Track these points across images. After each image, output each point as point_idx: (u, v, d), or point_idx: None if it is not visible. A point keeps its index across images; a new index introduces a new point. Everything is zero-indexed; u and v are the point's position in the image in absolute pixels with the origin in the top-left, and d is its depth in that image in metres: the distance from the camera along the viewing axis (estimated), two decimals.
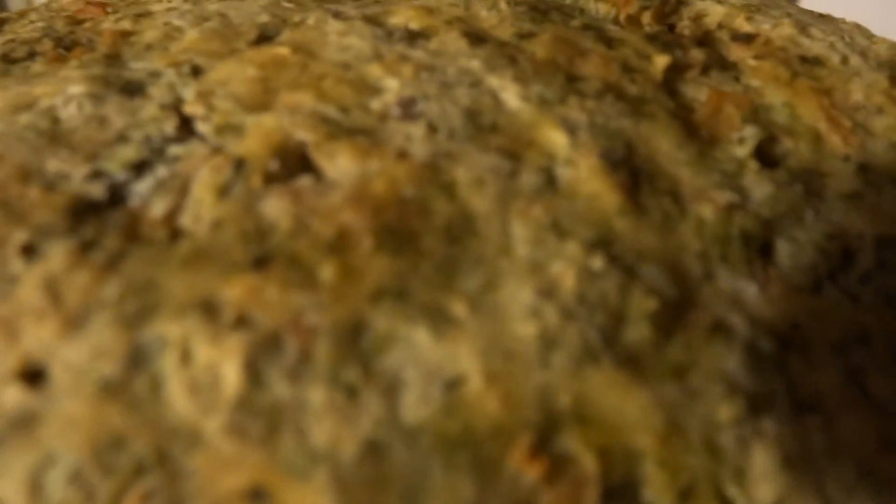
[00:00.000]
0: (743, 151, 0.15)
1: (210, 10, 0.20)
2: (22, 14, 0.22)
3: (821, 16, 0.21)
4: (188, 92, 0.15)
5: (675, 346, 0.12)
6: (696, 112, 0.16)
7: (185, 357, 0.10)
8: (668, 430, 0.12)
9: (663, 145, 0.15)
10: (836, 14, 0.22)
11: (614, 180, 0.13)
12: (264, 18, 0.18)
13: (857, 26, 0.20)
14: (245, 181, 0.12)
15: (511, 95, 0.14)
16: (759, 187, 0.15)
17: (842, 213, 0.15)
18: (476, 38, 0.16)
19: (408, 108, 0.14)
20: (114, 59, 0.17)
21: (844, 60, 0.18)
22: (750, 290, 0.13)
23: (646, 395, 0.12)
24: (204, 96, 0.15)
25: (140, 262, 0.11)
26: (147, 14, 0.21)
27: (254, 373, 0.10)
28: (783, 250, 0.14)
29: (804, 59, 0.18)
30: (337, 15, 0.17)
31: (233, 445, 0.10)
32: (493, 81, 0.15)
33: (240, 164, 0.13)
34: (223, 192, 0.12)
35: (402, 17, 0.18)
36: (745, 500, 0.12)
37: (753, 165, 0.15)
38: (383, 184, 0.12)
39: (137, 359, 0.10)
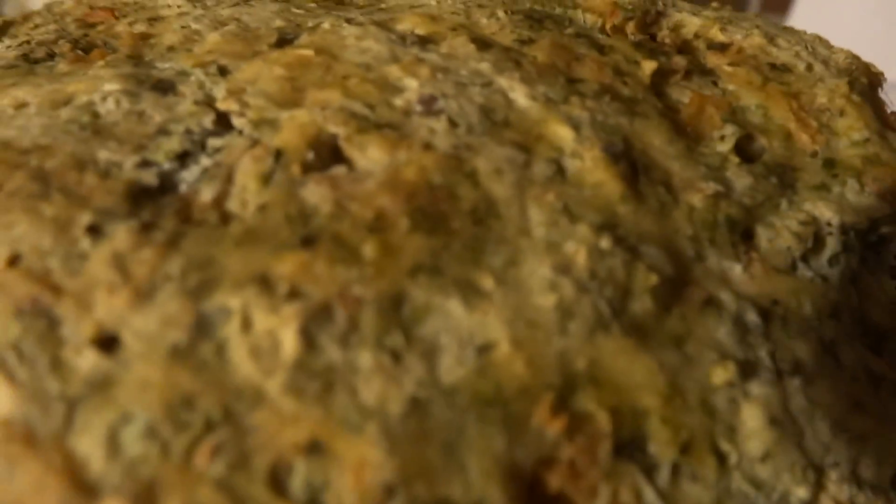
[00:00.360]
0: (724, 147, 0.17)
1: (224, 14, 0.21)
2: (26, 17, 0.23)
3: (785, 27, 0.23)
4: (218, 90, 0.16)
5: (674, 317, 0.14)
6: (682, 112, 0.18)
7: (246, 325, 0.11)
8: (669, 391, 0.13)
9: (655, 141, 0.16)
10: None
11: (616, 171, 0.15)
12: (280, 23, 0.19)
13: (818, 37, 0.22)
14: (285, 170, 0.14)
15: (519, 95, 0.16)
16: (740, 179, 0.16)
17: (812, 203, 0.17)
18: (482, 43, 0.18)
19: (429, 105, 0.15)
20: (138, 59, 0.18)
21: (809, 68, 0.20)
22: (735, 270, 0.15)
23: (650, 361, 0.13)
24: (235, 94, 0.16)
25: (197, 241, 0.12)
26: (160, 18, 0.22)
27: (308, 338, 0.11)
28: (762, 235, 0.16)
29: (773, 66, 0.20)
30: (350, 20, 0.19)
31: (292, 403, 0.11)
32: (503, 82, 0.16)
33: (279, 155, 0.14)
34: (266, 179, 0.13)
35: (408, 24, 0.20)
36: (736, 454, 0.13)
37: (734, 160, 0.17)
38: (413, 172, 0.13)
39: (202, 327, 0.11)
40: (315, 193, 0.13)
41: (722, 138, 0.17)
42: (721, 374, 0.14)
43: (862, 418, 0.15)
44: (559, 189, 0.14)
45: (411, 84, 0.16)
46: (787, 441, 0.14)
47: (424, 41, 0.18)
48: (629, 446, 0.13)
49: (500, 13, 0.20)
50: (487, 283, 0.13)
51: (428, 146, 0.14)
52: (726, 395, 0.13)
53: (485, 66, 0.16)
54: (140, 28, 0.20)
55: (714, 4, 0.26)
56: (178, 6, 0.23)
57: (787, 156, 0.17)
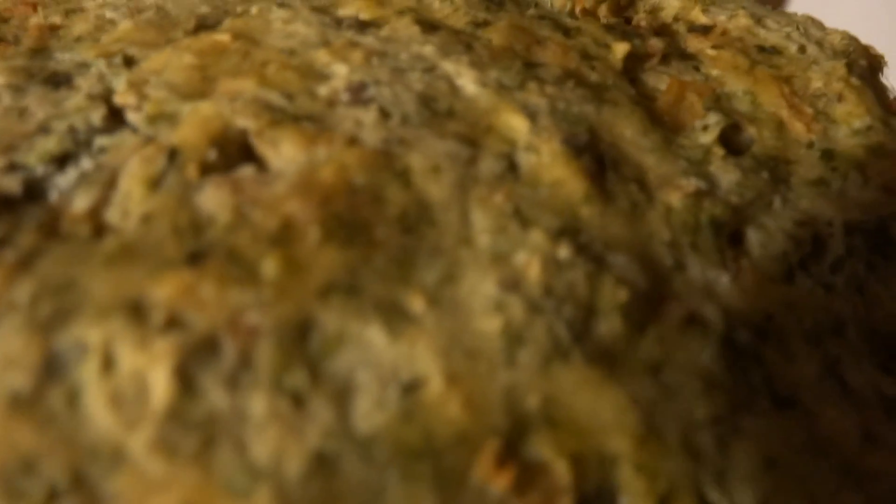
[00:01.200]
0: (708, 138, 0.15)
1: (146, 2, 0.18)
2: None
3: (774, 9, 0.21)
4: (119, 82, 0.14)
5: (649, 340, 0.11)
6: (658, 100, 0.15)
7: (108, 364, 0.09)
8: (644, 431, 0.11)
9: (627, 132, 0.14)
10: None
11: (578, 166, 0.12)
12: (204, 9, 0.17)
13: (811, 19, 0.20)
14: (179, 172, 0.11)
15: (467, 81, 0.14)
16: (726, 174, 0.14)
17: (809, 200, 0.14)
18: (429, 25, 0.15)
19: (358, 94, 0.13)
20: (39, 52, 0.16)
21: (802, 49, 0.18)
22: (722, 280, 0.13)
23: (620, 394, 0.11)
24: (136, 86, 0.13)
25: (58, 260, 0.10)
26: (79, 9, 0.19)
27: (186, 380, 0.09)
28: (753, 238, 0.13)
29: (762, 49, 0.18)
30: (282, 4, 0.16)
31: (161, 464, 0.09)
32: (449, 67, 0.14)
33: (174, 154, 0.12)
34: (154, 184, 0.11)
35: (352, 8, 0.18)
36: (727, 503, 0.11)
37: (719, 152, 0.14)
38: (332, 171, 0.11)
39: (52, 368, 0.09)
40: (212, 199, 0.11)
41: (705, 128, 0.15)
42: (706, 407, 0.11)
43: (875, 453, 0.12)
44: (510, 189, 0.12)
45: (340, 70, 0.13)
46: (787, 486, 0.11)
47: (365, 25, 0.16)
48: (596, 500, 0.10)
49: None
50: (417, 304, 0.10)
51: (353, 141, 0.12)
52: (713, 432, 0.11)
53: (429, 50, 0.14)
54: (53, 20, 0.18)
55: None
56: None
57: (779, 147, 0.15)
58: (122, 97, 0.13)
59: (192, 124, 0.12)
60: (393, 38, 0.15)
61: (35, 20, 0.19)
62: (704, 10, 0.19)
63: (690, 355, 0.12)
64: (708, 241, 0.13)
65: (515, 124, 0.13)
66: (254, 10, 0.16)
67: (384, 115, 0.12)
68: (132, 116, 0.13)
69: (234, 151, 0.12)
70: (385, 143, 0.12)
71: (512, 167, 0.12)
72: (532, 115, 0.13)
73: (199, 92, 0.13)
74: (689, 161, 0.14)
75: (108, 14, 0.17)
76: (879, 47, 0.19)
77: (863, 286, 0.14)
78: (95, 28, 0.17)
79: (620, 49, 0.16)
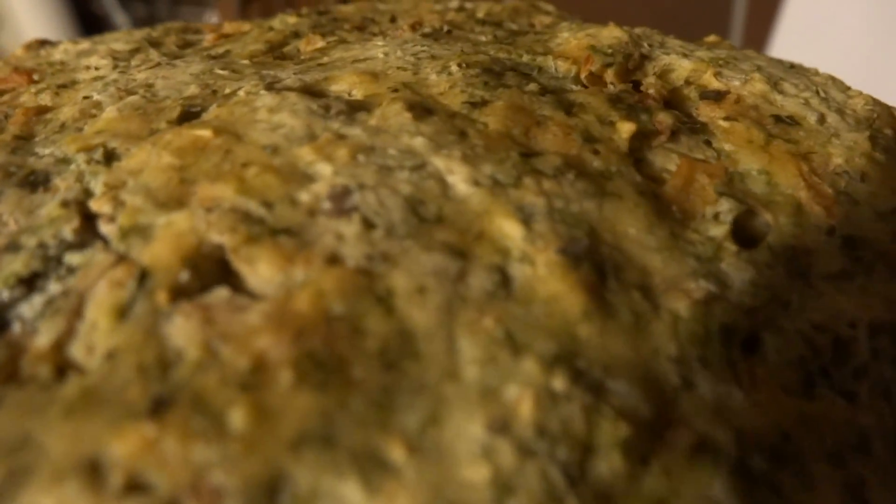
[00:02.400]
0: (719, 231, 0.14)
1: (138, 79, 0.18)
2: None
3: (791, 66, 0.20)
4: (97, 184, 0.13)
5: (653, 474, 0.10)
6: (666, 184, 0.15)
7: None
8: None
9: (631, 229, 0.13)
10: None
11: (576, 278, 0.12)
12: (193, 90, 0.17)
13: (832, 78, 0.19)
14: (149, 298, 0.11)
15: (459, 179, 0.13)
16: (739, 272, 0.13)
17: (830, 297, 0.13)
18: (422, 109, 0.15)
19: (340, 202, 0.12)
20: (24, 140, 0.16)
21: (821, 119, 0.17)
22: (735, 397, 0.12)
23: None
24: (113, 189, 0.13)
25: (15, 410, 0.09)
26: (71, 84, 0.19)
27: None
28: (769, 344, 0.12)
29: (778, 119, 0.17)
30: (271, 86, 0.16)
31: None
32: (439, 163, 0.13)
33: (144, 277, 0.11)
34: (122, 313, 0.11)
35: (345, 84, 0.17)
36: None
37: (731, 248, 0.13)
38: (308, 299, 0.10)
39: None
40: (182, 331, 0.10)
41: (716, 217, 0.14)
42: None
43: None
44: (501, 309, 0.11)
45: (324, 171, 0.13)
46: None
47: (354, 109, 0.15)
48: None
49: (454, 67, 0.17)
50: (397, 452, 0.09)
51: (332, 259, 0.11)
52: None
53: (419, 143, 0.13)
54: (45, 98, 0.18)
55: (710, 39, 0.23)
56: (97, 68, 0.20)
57: (796, 234, 0.14)
58: (98, 204, 0.13)
59: (166, 241, 0.11)
60: (382, 129, 0.14)
61: (25, 98, 0.18)
62: (717, 74, 0.18)
63: (700, 487, 0.11)
64: (718, 353, 0.12)
65: (509, 231, 0.12)
66: (241, 92, 0.16)
67: (368, 226, 0.12)
68: (105, 228, 0.12)
69: (209, 270, 0.11)
70: (368, 260, 0.11)
71: (504, 282, 0.11)
72: (527, 219, 0.12)
73: (175, 198, 0.12)
74: (698, 259, 0.13)
75: (96, 96, 0.17)
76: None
77: (889, 391, 0.13)
78: (81, 114, 0.16)
79: (626, 129, 0.15)
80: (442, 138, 0.14)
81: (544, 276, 0.12)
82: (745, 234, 0.14)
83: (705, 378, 0.12)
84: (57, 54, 0.23)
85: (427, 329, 0.10)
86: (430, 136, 0.14)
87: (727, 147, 0.16)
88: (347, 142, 0.13)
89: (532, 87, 0.16)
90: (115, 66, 0.20)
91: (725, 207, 0.14)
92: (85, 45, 0.24)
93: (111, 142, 0.14)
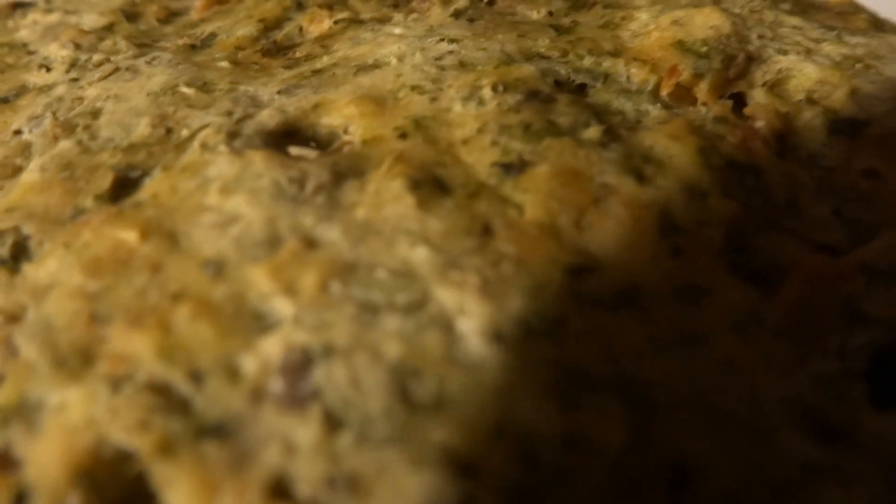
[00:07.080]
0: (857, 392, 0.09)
1: (86, 98, 0.14)
2: None
3: None
4: None
5: None
6: (777, 297, 0.10)
7: None
8: None
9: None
10: None
11: None
12: (143, 129, 0.13)
13: None
14: None
15: (473, 327, 0.09)
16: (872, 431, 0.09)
17: None
18: (432, 187, 0.11)
19: (296, 381, 0.08)
20: None
21: None
22: None
23: None
24: (10, 322, 0.09)
25: None
26: (16, 95, 0.16)
27: None
28: None
29: None
30: (236, 134, 0.12)
31: None
32: (447, 298, 0.09)
33: (22, 500, 0.08)
34: None
35: (339, 116, 0.13)
36: None
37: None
38: None
39: None
40: None
41: (840, 351, 0.10)
42: None
43: None
44: None
45: (282, 311, 0.09)
46: None
47: (340, 177, 0.11)
48: None
49: (487, 91, 0.13)
50: None
51: (276, 491, 0.08)
52: None
53: (421, 258, 0.09)
54: None
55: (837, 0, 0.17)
56: (50, 69, 0.17)
57: None
58: None
59: (55, 439, 0.08)
60: (373, 225, 0.10)
61: None
62: (853, 93, 0.13)
63: None
64: None
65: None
66: (197, 144, 0.12)
67: (332, 425, 0.08)
68: None
69: (115, 488, 0.08)
70: (328, 488, 0.08)
71: None
72: (572, 403, 0.08)
73: (80, 351, 0.09)
74: None
75: (26, 134, 0.13)
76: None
77: None
78: (2, 166, 0.13)
79: (724, 210, 0.11)
80: (455, 244, 0.10)
81: None
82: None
83: None
84: (24, 30, 0.20)
85: None
86: (439, 241, 0.10)
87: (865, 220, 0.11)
88: (319, 256, 0.09)
89: (592, 131, 0.12)
90: (73, 65, 0.16)
91: (858, 343, 0.10)
92: (55, 16, 0.20)
93: (25, 226, 0.11)
